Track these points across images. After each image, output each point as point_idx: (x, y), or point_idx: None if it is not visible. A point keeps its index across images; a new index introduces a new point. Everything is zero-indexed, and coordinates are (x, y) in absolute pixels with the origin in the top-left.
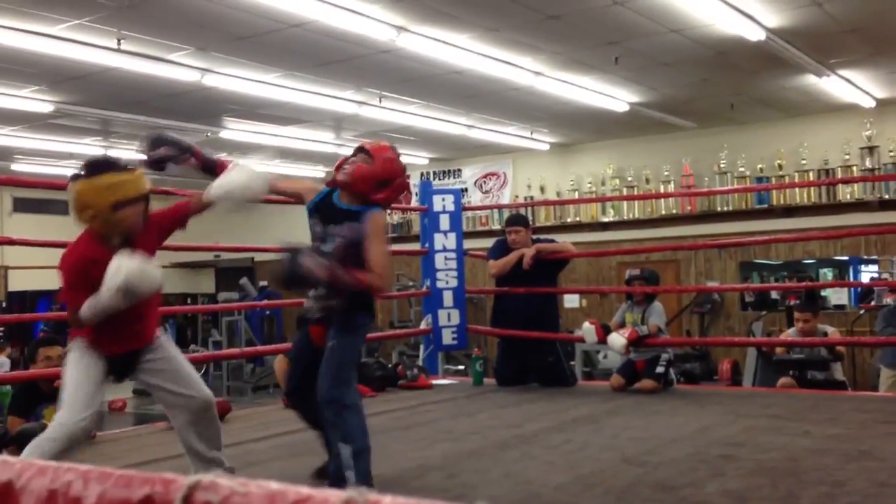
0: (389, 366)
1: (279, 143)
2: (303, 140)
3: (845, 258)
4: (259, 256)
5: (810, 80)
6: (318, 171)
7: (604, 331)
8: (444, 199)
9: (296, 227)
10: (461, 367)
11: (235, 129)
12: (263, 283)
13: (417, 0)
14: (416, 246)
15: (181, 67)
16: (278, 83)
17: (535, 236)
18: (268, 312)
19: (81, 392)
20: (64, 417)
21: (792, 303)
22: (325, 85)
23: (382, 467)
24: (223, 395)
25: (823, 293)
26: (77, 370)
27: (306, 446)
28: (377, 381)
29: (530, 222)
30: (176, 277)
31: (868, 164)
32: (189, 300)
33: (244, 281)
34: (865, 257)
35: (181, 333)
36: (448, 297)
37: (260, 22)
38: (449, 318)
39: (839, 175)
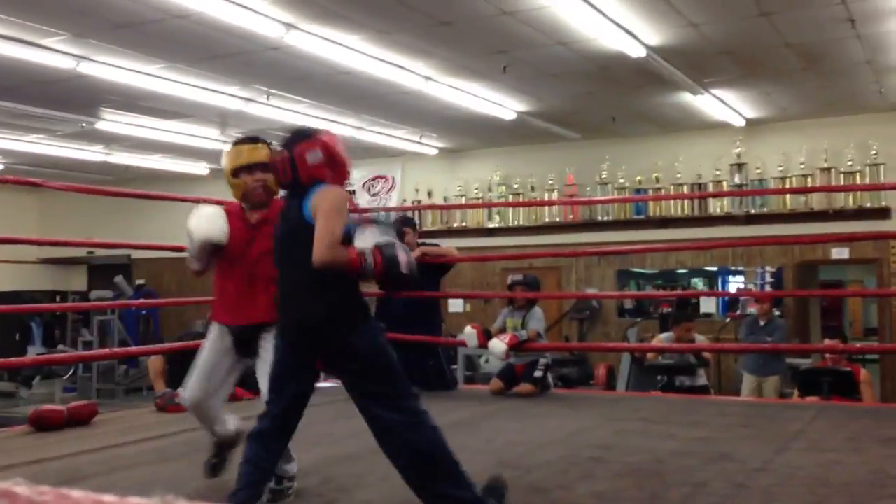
0: None
1: (160, 137)
2: (186, 135)
3: (714, 269)
4: (136, 254)
5: (686, 97)
6: (202, 168)
7: (485, 335)
8: None
9: (174, 224)
10: None
11: (113, 121)
12: (140, 281)
13: None
14: None
15: (55, 53)
16: (160, 75)
17: (420, 240)
18: (143, 312)
19: (204, 371)
20: (185, 392)
21: (665, 310)
22: (210, 79)
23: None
24: (92, 398)
25: (694, 302)
26: (207, 350)
27: (176, 451)
28: (255, 384)
29: (417, 226)
30: (45, 274)
31: (737, 179)
32: (59, 298)
33: (119, 279)
34: (732, 268)
35: (48, 332)
36: None
37: (141, 10)
38: None
39: (710, 189)
